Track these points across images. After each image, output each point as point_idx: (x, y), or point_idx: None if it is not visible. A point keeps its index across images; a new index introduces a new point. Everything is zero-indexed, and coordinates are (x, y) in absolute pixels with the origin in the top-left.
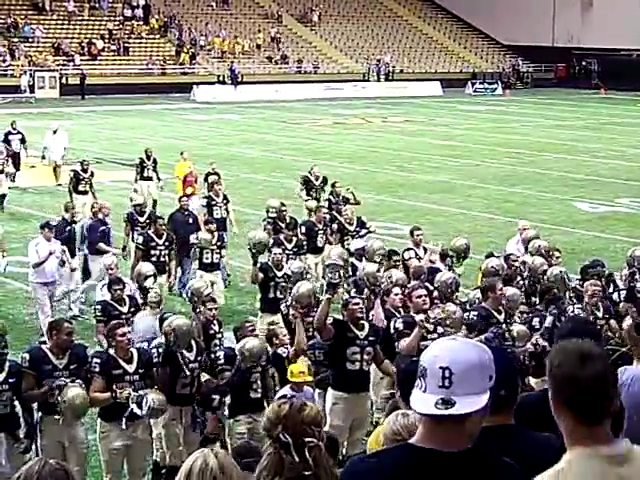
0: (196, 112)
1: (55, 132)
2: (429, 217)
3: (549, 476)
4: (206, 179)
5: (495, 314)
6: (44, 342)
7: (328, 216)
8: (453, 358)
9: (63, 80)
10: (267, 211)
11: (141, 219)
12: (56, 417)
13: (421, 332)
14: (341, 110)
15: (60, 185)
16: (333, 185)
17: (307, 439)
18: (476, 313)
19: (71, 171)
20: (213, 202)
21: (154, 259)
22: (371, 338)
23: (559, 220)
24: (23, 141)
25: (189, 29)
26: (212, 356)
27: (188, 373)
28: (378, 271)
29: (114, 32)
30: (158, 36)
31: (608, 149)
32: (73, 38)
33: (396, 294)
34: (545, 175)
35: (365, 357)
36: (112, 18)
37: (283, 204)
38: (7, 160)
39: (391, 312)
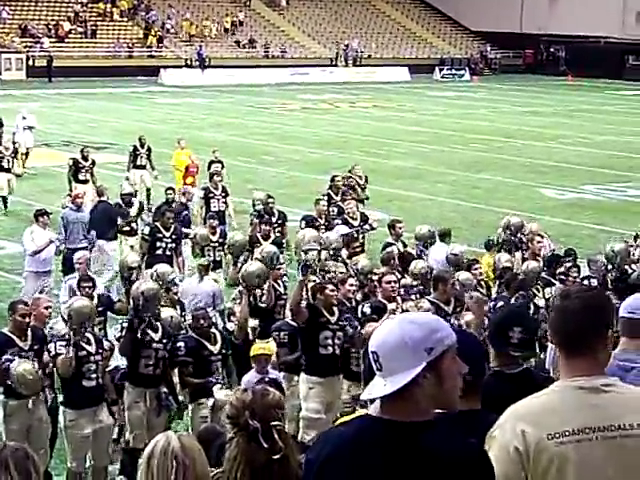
0: (164, 95)
1: (24, 118)
2: (396, 202)
3: (531, 404)
4: (209, 167)
5: (443, 306)
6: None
7: (335, 209)
8: (378, 341)
9: (30, 62)
10: (253, 204)
11: (130, 209)
12: (14, 401)
13: None
14: (309, 95)
15: (24, 172)
16: (332, 179)
17: (274, 423)
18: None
19: (70, 159)
20: (211, 194)
21: (160, 252)
22: (341, 322)
23: (526, 207)
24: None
25: (157, 12)
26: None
27: (153, 353)
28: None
29: (81, 14)
30: (126, 19)
31: (575, 136)
32: (40, 20)
33: (351, 284)
34: (512, 162)
35: (337, 341)
36: (79, 0)
37: (270, 196)
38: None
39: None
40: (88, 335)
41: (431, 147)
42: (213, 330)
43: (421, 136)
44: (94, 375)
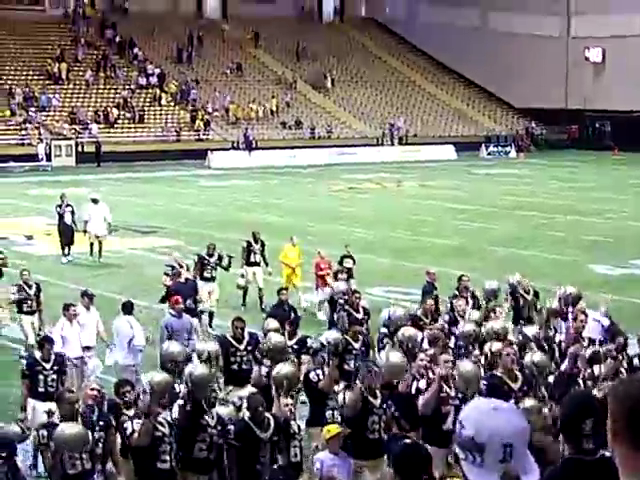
0: (211, 178)
1: (96, 202)
2: (444, 281)
3: None
4: (341, 262)
5: (509, 382)
6: None
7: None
8: (513, 432)
9: (79, 148)
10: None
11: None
12: None
13: (437, 389)
14: (355, 174)
15: (97, 258)
16: (459, 278)
17: None
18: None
19: (196, 255)
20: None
21: (235, 367)
22: (384, 406)
23: (575, 283)
24: (73, 213)
25: (203, 96)
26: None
27: (207, 438)
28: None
29: (129, 100)
30: (173, 103)
31: (621, 210)
32: (89, 106)
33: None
34: (559, 237)
35: (382, 425)
36: (127, 86)
37: (355, 291)
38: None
39: None
40: (164, 416)
41: (477, 225)
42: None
43: (467, 213)
44: (168, 457)
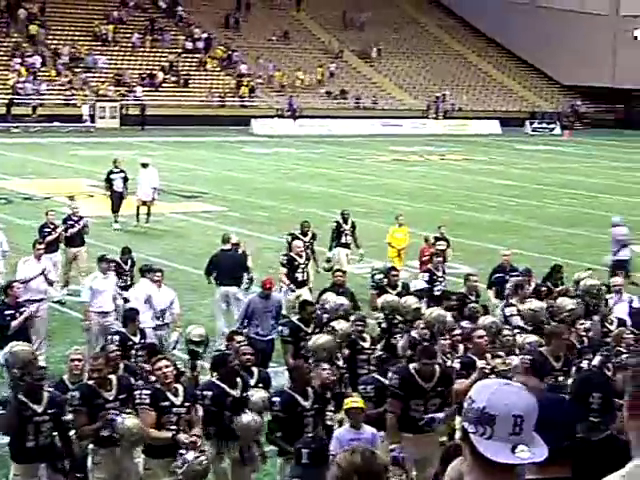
0: (255, 145)
1: (145, 167)
2: (488, 257)
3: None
4: (434, 244)
5: (552, 361)
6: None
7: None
8: (524, 406)
9: (123, 110)
10: (372, 275)
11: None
12: (104, 451)
13: (479, 379)
14: (400, 147)
15: (140, 224)
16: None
17: None
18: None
19: (334, 222)
20: (434, 277)
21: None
22: (439, 388)
23: None
24: (126, 179)
25: (249, 62)
26: None
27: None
28: None
29: (175, 64)
30: (218, 69)
31: None
32: (134, 69)
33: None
34: (605, 217)
35: (430, 407)
36: (173, 50)
37: (393, 268)
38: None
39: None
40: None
41: (522, 201)
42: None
43: (512, 190)
44: (174, 427)
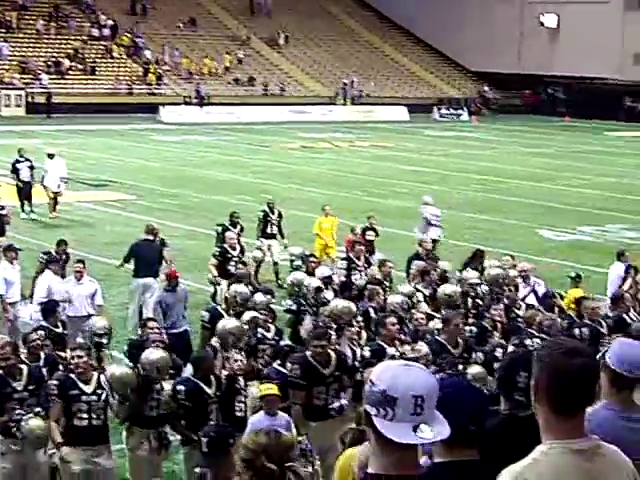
0: (163, 133)
1: (52, 157)
2: (397, 243)
3: (523, 466)
4: (363, 234)
5: (450, 348)
6: None
7: None
8: (424, 386)
9: (29, 98)
10: (291, 261)
11: None
12: (9, 440)
13: None
14: (308, 133)
15: (54, 217)
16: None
17: (289, 464)
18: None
19: (261, 212)
20: (353, 265)
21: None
22: (336, 373)
23: (524, 248)
24: (32, 168)
25: (156, 50)
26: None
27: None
28: None
29: (81, 51)
30: (125, 56)
31: (573, 177)
32: (40, 56)
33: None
34: (511, 202)
35: (331, 393)
36: (79, 37)
37: (312, 254)
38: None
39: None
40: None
41: (430, 187)
42: None
43: (420, 176)
44: (86, 415)
